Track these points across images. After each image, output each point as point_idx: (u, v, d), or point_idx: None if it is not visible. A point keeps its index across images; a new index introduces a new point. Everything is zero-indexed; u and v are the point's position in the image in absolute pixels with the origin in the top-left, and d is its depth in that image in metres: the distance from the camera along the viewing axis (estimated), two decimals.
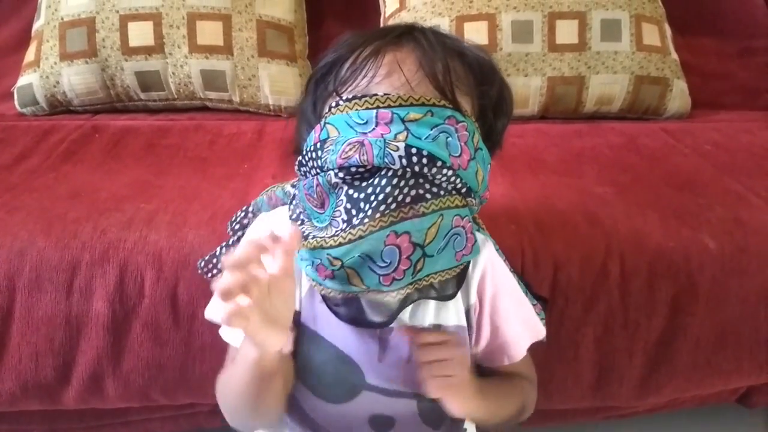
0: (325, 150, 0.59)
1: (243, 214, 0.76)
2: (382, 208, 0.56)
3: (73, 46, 1.26)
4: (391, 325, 0.63)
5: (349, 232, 0.57)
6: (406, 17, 1.32)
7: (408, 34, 0.62)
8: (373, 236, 0.56)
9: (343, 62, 0.62)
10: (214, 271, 0.77)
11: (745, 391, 1.04)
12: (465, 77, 0.62)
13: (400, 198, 0.56)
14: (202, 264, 0.78)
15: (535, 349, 0.87)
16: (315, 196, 0.61)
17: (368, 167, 0.57)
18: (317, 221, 0.62)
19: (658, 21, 1.35)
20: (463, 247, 0.61)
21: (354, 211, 0.57)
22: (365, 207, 0.57)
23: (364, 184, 0.57)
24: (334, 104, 0.60)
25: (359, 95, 0.59)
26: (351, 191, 0.58)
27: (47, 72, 1.27)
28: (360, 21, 1.43)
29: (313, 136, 0.61)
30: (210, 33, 1.27)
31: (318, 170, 0.60)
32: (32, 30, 1.34)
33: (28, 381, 0.84)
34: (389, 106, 0.57)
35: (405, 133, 0.57)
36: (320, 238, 0.60)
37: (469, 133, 0.60)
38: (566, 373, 0.90)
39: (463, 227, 0.61)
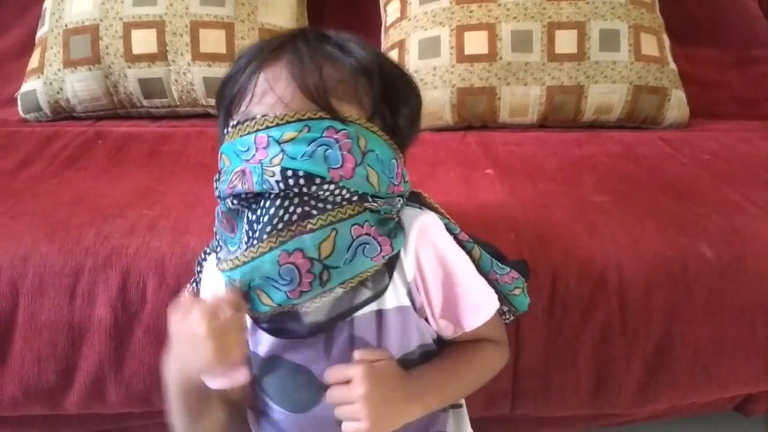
0: (220, 180, 0.62)
1: (208, 249, 0.74)
2: (269, 229, 0.57)
3: (76, 53, 1.27)
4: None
5: (242, 254, 0.59)
6: (406, 27, 1.34)
7: (283, 46, 0.62)
8: (265, 257, 0.57)
9: (234, 81, 0.63)
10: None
11: (742, 399, 1.05)
12: (349, 80, 0.61)
13: (286, 218, 0.57)
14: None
15: (532, 349, 0.88)
16: (225, 221, 0.63)
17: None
18: (231, 245, 0.63)
19: (657, 31, 1.36)
20: (379, 251, 0.61)
21: (251, 233, 0.59)
22: (257, 228, 0.58)
23: (256, 206, 0.59)
24: (225, 132, 0.63)
25: (241, 120, 0.60)
26: (249, 214, 0.60)
27: (51, 78, 1.28)
28: (361, 30, 1.43)
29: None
30: (213, 41, 1.28)
31: (220, 199, 0.63)
32: (36, 37, 1.36)
33: (30, 385, 0.84)
34: (267, 128, 0.58)
35: (280, 155, 0.57)
36: (224, 260, 0.62)
37: (352, 139, 0.59)
38: (565, 381, 0.91)
39: (368, 234, 0.60)
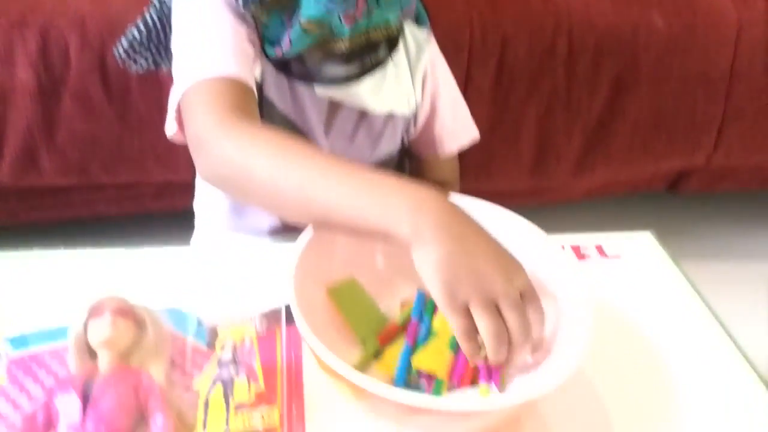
0: None
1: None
2: None
3: None
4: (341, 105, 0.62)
5: None
6: None
7: None
8: None
9: None
10: (137, 58, 0.61)
11: (675, 177, 1.09)
12: None
13: None
14: (121, 51, 0.61)
15: (477, 123, 0.88)
16: None
17: None
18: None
19: None
20: (409, 4, 0.60)
21: None
22: None
23: None
24: None
25: None
26: None
27: None
28: None
29: None
30: None
31: None
32: None
33: None
34: None
35: None
36: None
37: None
38: (507, 154, 0.93)
39: None
